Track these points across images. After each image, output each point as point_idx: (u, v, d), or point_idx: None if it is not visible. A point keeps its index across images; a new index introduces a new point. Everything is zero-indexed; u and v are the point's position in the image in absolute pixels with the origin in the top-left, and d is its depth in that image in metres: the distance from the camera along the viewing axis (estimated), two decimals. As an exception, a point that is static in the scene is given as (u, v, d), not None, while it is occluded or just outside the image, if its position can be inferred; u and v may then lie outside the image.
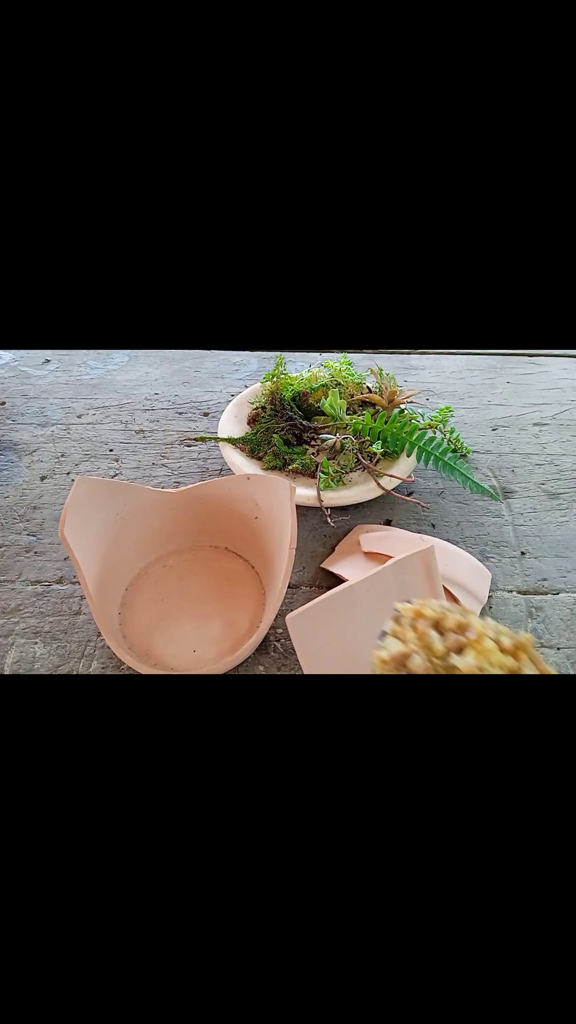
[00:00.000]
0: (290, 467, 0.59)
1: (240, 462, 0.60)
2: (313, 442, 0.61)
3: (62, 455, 0.66)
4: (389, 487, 0.58)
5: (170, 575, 0.52)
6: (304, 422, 0.62)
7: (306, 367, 0.75)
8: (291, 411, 0.62)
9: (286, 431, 0.61)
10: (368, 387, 0.65)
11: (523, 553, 0.56)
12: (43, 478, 0.64)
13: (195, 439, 0.68)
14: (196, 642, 0.47)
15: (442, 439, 0.60)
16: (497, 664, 0.28)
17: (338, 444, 0.60)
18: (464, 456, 0.65)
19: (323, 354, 0.83)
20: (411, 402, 0.65)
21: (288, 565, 0.45)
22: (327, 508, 0.56)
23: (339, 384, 0.64)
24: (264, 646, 0.49)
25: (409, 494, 0.62)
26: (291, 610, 0.40)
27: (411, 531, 0.57)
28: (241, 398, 0.67)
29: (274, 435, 0.61)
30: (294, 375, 0.65)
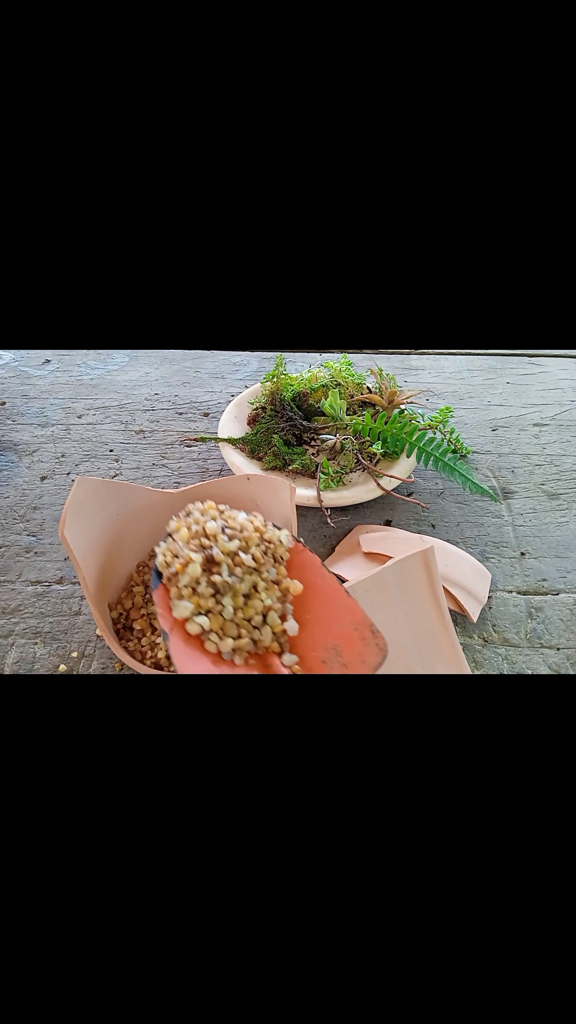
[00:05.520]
0: (290, 467, 0.59)
1: (240, 462, 0.60)
2: (313, 442, 0.61)
3: (62, 455, 0.66)
4: (389, 487, 0.58)
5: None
6: (304, 422, 0.62)
7: (306, 367, 0.75)
8: (291, 411, 0.62)
9: (286, 431, 0.61)
10: (368, 387, 0.65)
11: (523, 553, 0.56)
12: (43, 478, 0.64)
13: (195, 439, 0.68)
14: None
15: (442, 439, 0.60)
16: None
17: (338, 444, 0.60)
18: (464, 456, 0.65)
19: (323, 354, 0.83)
20: (411, 402, 0.65)
21: (288, 565, 0.45)
22: (327, 508, 0.56)
23: (339, 384, 0.64)
24: (264, 646, 0.49)
25: (409, 494, 0.62)
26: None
27: (411, 531, 0.57)
28: (241, 398, 0.67)
29: (274, 435, 0.61)
30: (294, 375, 0.65)
